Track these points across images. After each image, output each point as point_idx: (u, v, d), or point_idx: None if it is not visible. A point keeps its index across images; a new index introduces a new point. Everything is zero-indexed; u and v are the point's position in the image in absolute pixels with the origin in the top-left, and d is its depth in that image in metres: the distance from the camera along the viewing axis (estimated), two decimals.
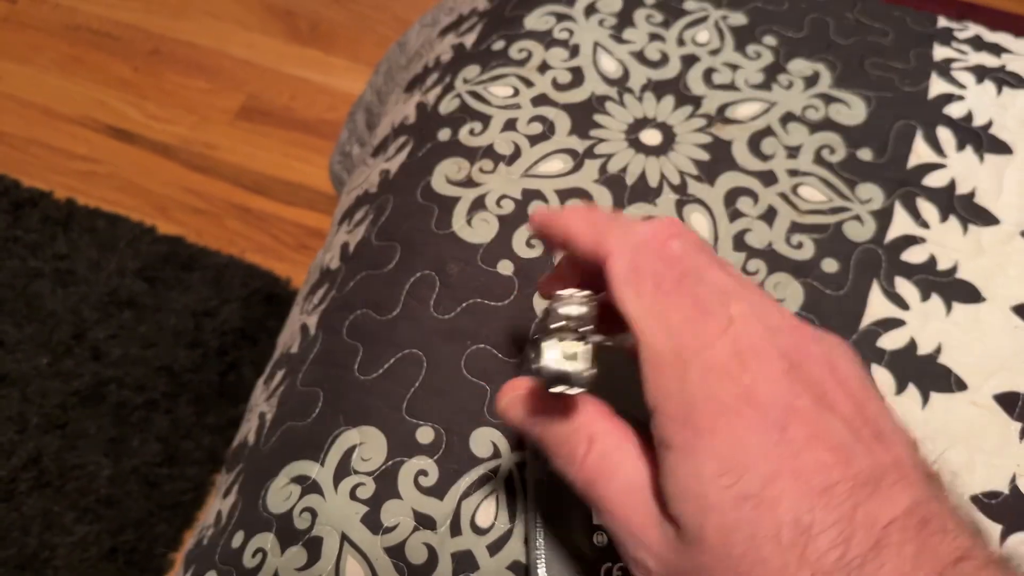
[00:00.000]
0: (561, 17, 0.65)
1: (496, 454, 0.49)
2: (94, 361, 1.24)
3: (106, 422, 1.20)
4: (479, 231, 0.55)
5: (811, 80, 0.62)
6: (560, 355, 0.32)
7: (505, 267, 0.54)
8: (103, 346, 1.24)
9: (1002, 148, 0.60)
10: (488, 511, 0.48)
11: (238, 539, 0.50)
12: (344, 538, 0.47)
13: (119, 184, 1.44)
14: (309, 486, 0.49)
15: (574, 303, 0.34)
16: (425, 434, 0.50)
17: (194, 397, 1.22)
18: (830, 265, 0.55)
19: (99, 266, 1.31)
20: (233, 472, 0.55)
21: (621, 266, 0.32)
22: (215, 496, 0.57)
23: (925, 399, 0.52)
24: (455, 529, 0.48)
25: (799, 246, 0.56)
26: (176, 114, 1.52)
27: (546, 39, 0.64)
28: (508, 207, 0.56)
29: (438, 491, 0.49)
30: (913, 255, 0.56)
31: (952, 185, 0.58)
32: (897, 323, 0.54)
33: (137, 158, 1.47)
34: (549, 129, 0.59)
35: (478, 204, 0.56)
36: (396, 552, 0.47)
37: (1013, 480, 0.51)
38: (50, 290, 1.29)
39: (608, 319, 0.35)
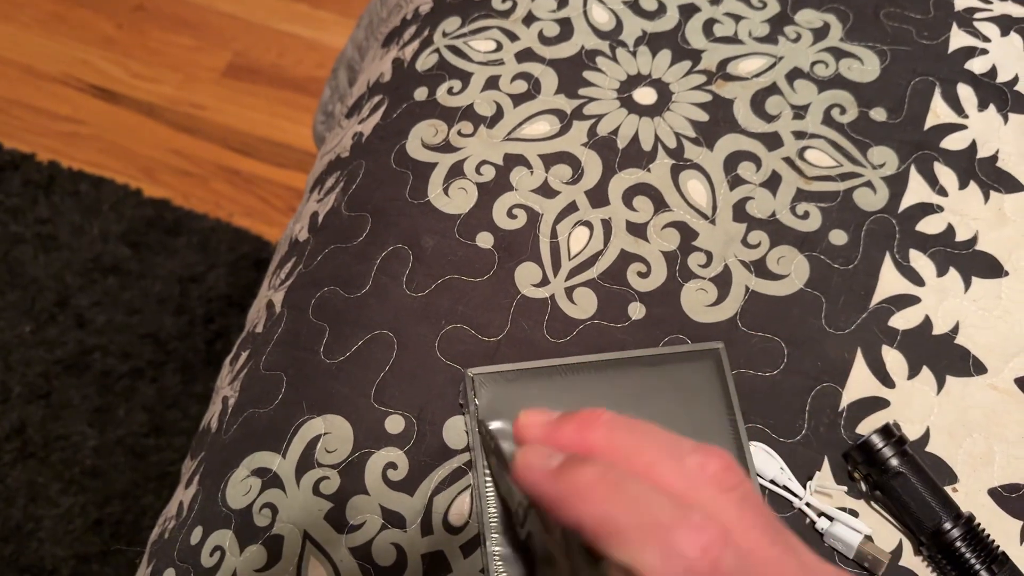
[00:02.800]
0: None
1: (471, 445, 0.46)
2: (78, 329, 1.20)
3: (91, 391, 1.16)
4: (456, 200, 0.51)
5: (821, 32, 0.57)
6: None
7: (484, 240, 0.50)
8: (87, 313, 1.21)
9: None
10: (462, 508, 0.44)
11: (196, 535, 0.46)
12: (306, 537, 0.44)
13: (103, 146, 1.39)
14: (270, 479, 0.45)
15: None
16: (395, 423, 0.46)
17: (180, 365, 1.19)
18: (839, 237, 0.51)
19: (82, 231, 1.27)
20: (195, 459, 0.51)
21: None
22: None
23: (940, 383, 0.48)
24: (426, 528, 0.44)
25: (805, 216, 0.51)
26: (161, 73, 1.46)
27: None
28: (488, 174, 0.51)
29: (408, 486, 0.45)
30: (929, 225, 0.51)
31: (973, 147, 0.54)
32: (911, 300, 0.50)
33: (121, 119, 1.42)
34: (534, 87, 0.55)
35: (456, 171, 0.52)
36: (362, 553, 0.43)
37: None
38: (32, 256, 1.25)
39: None
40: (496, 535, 0.41)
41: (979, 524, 0.44)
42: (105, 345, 1.20)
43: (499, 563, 0.41)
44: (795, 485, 0.45)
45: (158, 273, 1.25)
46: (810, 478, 0.46)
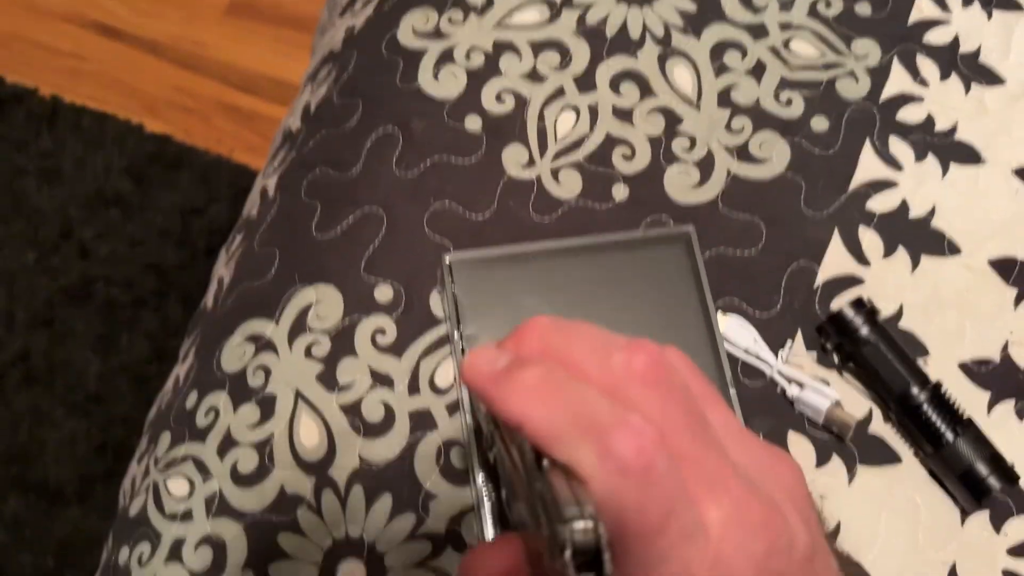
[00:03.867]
0: None
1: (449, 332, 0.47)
2: (81, 259, 1.22)
3: (94, 320, 1.18)
4: (446, 85, 0.52)
5: None
6: None
7: (473, 123, 0.51)
8: (90, 244, 1.22)
9: (1012, 4, 0.56)
10: (447, 372, 0.46)
11: (192, 399, 0.48)
12: (298, 396, 0.46)
13: (106, 82, 1.40)
14: (263, 344, 0.47)
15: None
16: (383, 292, 0.47)
17: (183, 296, 1.20)
18: (820, 123, 0.52)
19: (85, 164, 1.28)
20: (191, 337, 0.53)
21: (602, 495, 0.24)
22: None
23: (915, 262, 0.49)
24: (413, 388, 0.46)
25: (788, 103, 0.52)
26: (164, 10, 1.47)
27: None
28: (478, 60, 0.53)
29: (396, 350, 0.46)
30: (910, 114, 0.52)
31: (956, 42, 0.54)
32: (889, 184, 0.51)
33: (124, 55, 1.42)
34: None
35: (446, 57, 0.53)
36: (352, 410, 0.45)
37: (1005, 347, 0.48)
38: (36, 188, 1.26)
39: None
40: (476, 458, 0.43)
41: (946, 390, 0.45)
42: (108, 275, 1.21)
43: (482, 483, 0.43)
44: (768, 354, 0.47)
45: (160, 206, 1.26)
46: (783, 348, 0.47)
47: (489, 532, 0.42)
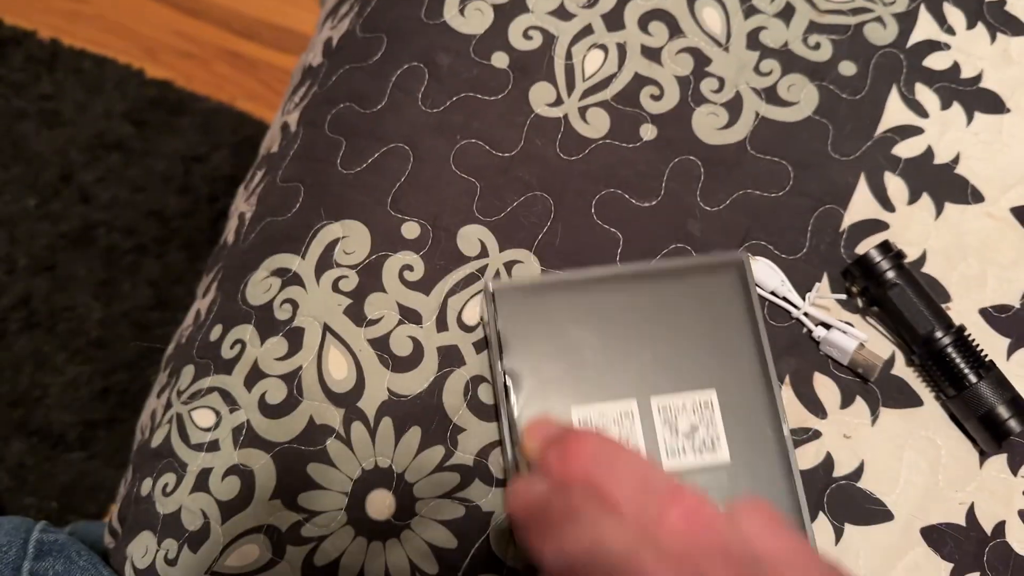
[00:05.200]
0: None
1: (484, 253, 0.47)
2: (82, 204, 1.21)
3: (96, 265, 1.18)
4: (472, 21, 0.51)
5: None
6: None
7: (499, 60, 0.51)
8: (91, 189, 1.21)
9: None
10: (474, 310, 0.46)
11: (216, 332, 0.48)
12: (326, 329, 0.46)
13: (106, 25, 1.38)
14: (290, 278, 0.47)
15: None
16: (411, 229, 0.47)
17: (185, 243, 1.20)
18: (848, 68, 0.51)
19: (85, 108, 1.26)
20: (212, 272, 0.53)
21: None
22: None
23: (939, 209, 0.49)
24: (441, 325, 0.46)
25: (816, 47, 0.52)
26: None
27: None
28: None
29: (424, 286, 0.46)
30: (936, 61, 0.52)
31: None
32: (915, 131, 0.51)
33: None
34: None
35: None
36: (380, 344, 0.45)
37: None
38: (35, 131, 1.24)
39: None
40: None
41: (969, 334, 0.46)
42: (110, 221, 1.20)
43: None
44: (794, 297, 0.47)
45: (162, 152, 1.25)
46: (809, 291, 0.47)
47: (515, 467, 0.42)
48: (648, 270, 0.45)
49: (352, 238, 0.47)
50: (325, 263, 0.47)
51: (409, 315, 0.46)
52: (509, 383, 0.42)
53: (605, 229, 0.48)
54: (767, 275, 0.47)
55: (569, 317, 0.44)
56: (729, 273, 0.45)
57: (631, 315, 0.44)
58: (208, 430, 0.45)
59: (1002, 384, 0.45)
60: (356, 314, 0.46)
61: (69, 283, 1.17)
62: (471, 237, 0.47)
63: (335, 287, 0.46)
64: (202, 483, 0.44)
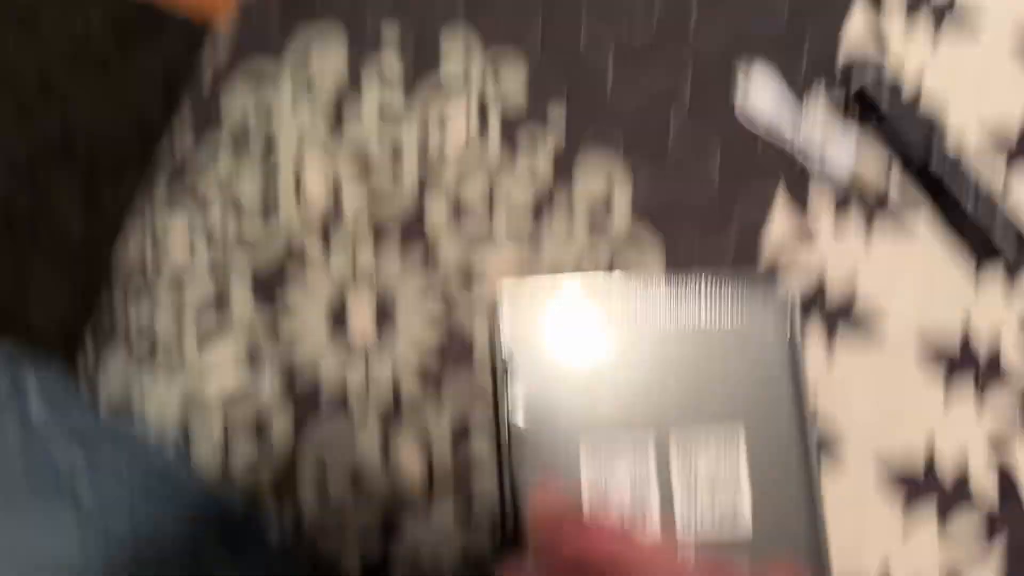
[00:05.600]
0: None
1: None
2: (61, 117, 1.19)
3: (76, 177, 1.16)
4: None
5: None
6: None
7: None
8: (71, 101, 1.19)
9: None
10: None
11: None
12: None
13: None
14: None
15: None
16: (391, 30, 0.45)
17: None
18: None
19: (64, 21, 1.24)
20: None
21: None
22: None
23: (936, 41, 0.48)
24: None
25: None
26: None
27: None
28: None
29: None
30: None
31: None
32: None
33: None
34: None
35: None
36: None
37: None
38: (14, 44, 1.23)
39: None
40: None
41: (966, 146, 0.44)
42: (90, 132, 1.19)
43: None
44: (792, 113, 0.45)
45: (144, 68, 1.23)
46: (809, 107, 0.46)
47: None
48: (681, 282, 0.41)
49: (328, 40, 0.45)
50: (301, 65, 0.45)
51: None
52: (511, 407, 0.39)
53: None
54: (765, 88, 0.45)
55: (585, 325, 0.41)
56: (771, 297, 0.41)
57: (658, 332, 0.41)
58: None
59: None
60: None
61: (49, 193, 1.15)
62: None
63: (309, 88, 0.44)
64: None
